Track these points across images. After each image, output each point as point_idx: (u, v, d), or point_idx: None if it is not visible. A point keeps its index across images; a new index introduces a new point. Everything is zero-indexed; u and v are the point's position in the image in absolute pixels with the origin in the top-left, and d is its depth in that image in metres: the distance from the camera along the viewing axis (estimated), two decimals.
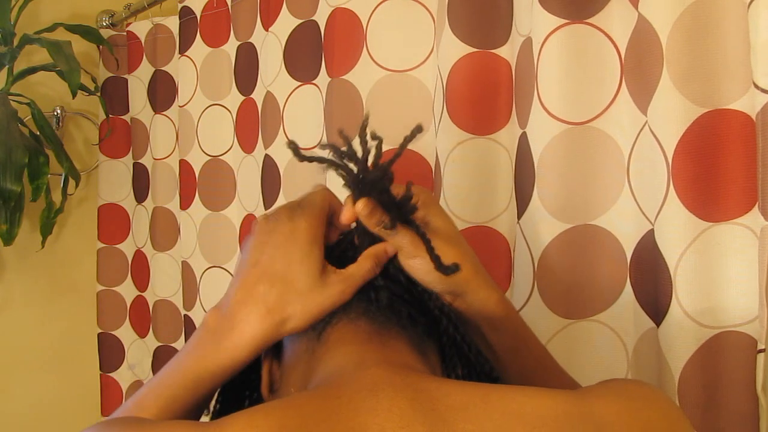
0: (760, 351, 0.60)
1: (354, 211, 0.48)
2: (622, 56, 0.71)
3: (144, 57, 1.38)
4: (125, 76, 1.43)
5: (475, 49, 0.81)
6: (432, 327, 0.53)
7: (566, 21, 0.70)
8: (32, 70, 1.31)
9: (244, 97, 1.17)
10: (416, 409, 0.40)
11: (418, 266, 0.51)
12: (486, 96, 0.82)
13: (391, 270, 0.54)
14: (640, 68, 0.67)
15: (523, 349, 0.56)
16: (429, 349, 0.52)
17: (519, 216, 0.78)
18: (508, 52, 0.82)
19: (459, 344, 0.54)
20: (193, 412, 0.51)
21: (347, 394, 0.41)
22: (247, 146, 1.17)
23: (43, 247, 1.33)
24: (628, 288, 0.72)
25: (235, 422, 0.39)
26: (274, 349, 0.52)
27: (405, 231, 0.50)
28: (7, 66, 1.27)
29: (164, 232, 1.36)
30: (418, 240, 0.50)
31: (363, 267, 0.50)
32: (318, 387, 0.46)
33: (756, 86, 0.59)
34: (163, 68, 1.35)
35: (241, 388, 0.55)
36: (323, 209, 0.51)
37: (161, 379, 0.50)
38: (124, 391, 1.49)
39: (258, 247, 0.49)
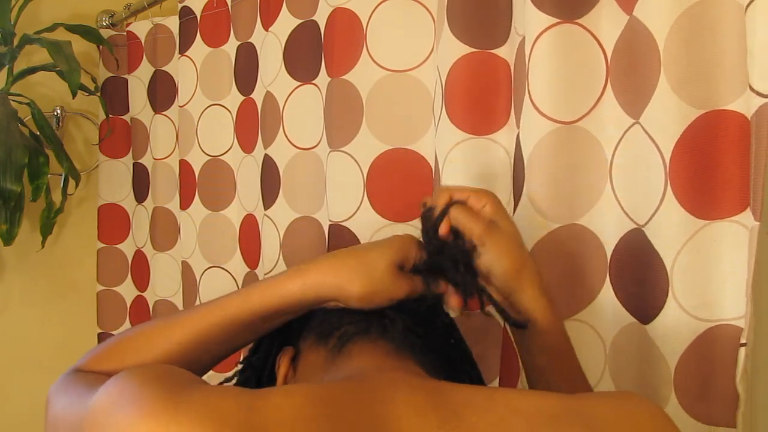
0: (742, 345, 0.62)
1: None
2: (608, 58, 0.71)
3: (144, 57, 1.38)
4: (125, 76, 1.43)
5: (475, 49, 0.81)
6: (443, 363, 0.59)
7: (558, 20, 0.71)
8: (32, 70, 1.31)
9: (243, 97, 1.17)
10: (429, 402, 0.45)
11: (481, 254, 0.58)
12: (485, 96, 0.82)
13: (405, 304, 0.59)
14: (634, 71, 0.68)
15: (557, 364, 0.60)
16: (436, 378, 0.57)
17: (513, 215, 0.78)
18: (507, 52, 0.82)
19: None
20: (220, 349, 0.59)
21: (369, 387, 0.47)
22: (247, 146, 1.17)
23: (43, 247, 1.33)
24: (607, 285, 0.74)
25: (276, 392, 0.43)
26: (292, 359, 0.58)
27: (476, 218, 0.59)
28: (7, 66, 1.27)
29: (164, 232, 1.36)
30: (486, 228, 0.58)
31: (425, 284, 0.59)
32: (343, 379, 0.51)
33: (751, 89, 0.59)
34: (163, 68, 1.35)
35: (256, 386, 0.60)
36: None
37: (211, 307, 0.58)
38: None
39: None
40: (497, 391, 0.48)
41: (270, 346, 0.61)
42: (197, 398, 0.40)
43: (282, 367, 0.57)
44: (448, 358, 0.60)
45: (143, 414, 0.39)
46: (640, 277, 0.69)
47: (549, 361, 0.59)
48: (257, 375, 0.61)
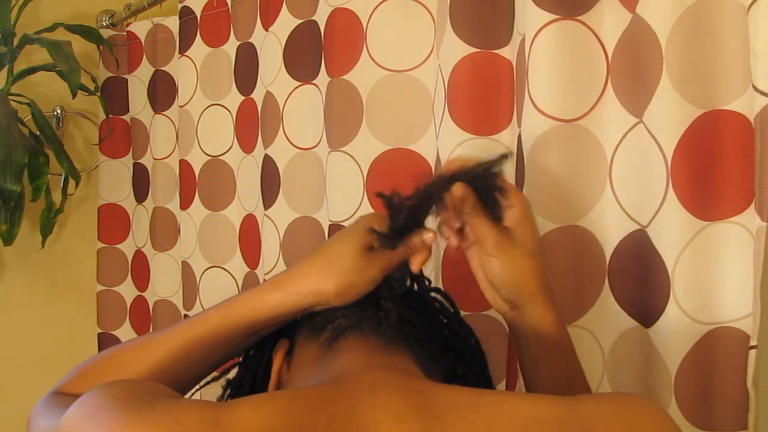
0: (752, 347, 0.61)
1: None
2: (609, 56, 0.71)
3: (144, 57, 1.38)
4: (125, 76, 1.43)
5: (477, 50, 0.81)
6: (439, 356, 0.57)
7: (557, 17, 0.70)
8: (32, 70, 1.31)
9: (243, 97, 1.17)
10: (411, 406, 0.44)
11: (492, 265, 0.56)
12: (488, 96, 0.82)
13: (402, 293, 0.58)
14: (636, 69, 0.68)
15: (564, 378, 0.59)
16: (433, 373, 0.56)
17: None
18: (510, 52, 0.82)
19: (469, 379, 0.59)
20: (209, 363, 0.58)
21: (348, 391, 0.45)
22: (247, 146, 1.17)
23: (43, 247, 1.33)
24: (607, 289, 0.73)
25: (244, 404, 0.42)
26: (286, 354, 0.57)
27: (492, 228, 0.56)
28: (7, 66, 1.27)
29: (164, 232, 1.36)
30: (501, 240, 0.55)
31: (399, 251, 0.57)
32: (324, 383, 0.50)
33: (755, 89, 0.59)
34: (163, 68, 1.35)
35: (250, 386, 0.60)
36: (365, 230, 0.57)
37: (191, 321, 0.57)
38: None
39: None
40: (489, 395, 0.46)
41: (264, 341, 0.61)
42: (159, 413, 0.40)
43: (276, 361, 0.56)
44: (447, 350, 0.59)
45: None
46: (643, 279, 0.68)
47: (548, 362, 0.58)
48: (253, 371, 0.60)
